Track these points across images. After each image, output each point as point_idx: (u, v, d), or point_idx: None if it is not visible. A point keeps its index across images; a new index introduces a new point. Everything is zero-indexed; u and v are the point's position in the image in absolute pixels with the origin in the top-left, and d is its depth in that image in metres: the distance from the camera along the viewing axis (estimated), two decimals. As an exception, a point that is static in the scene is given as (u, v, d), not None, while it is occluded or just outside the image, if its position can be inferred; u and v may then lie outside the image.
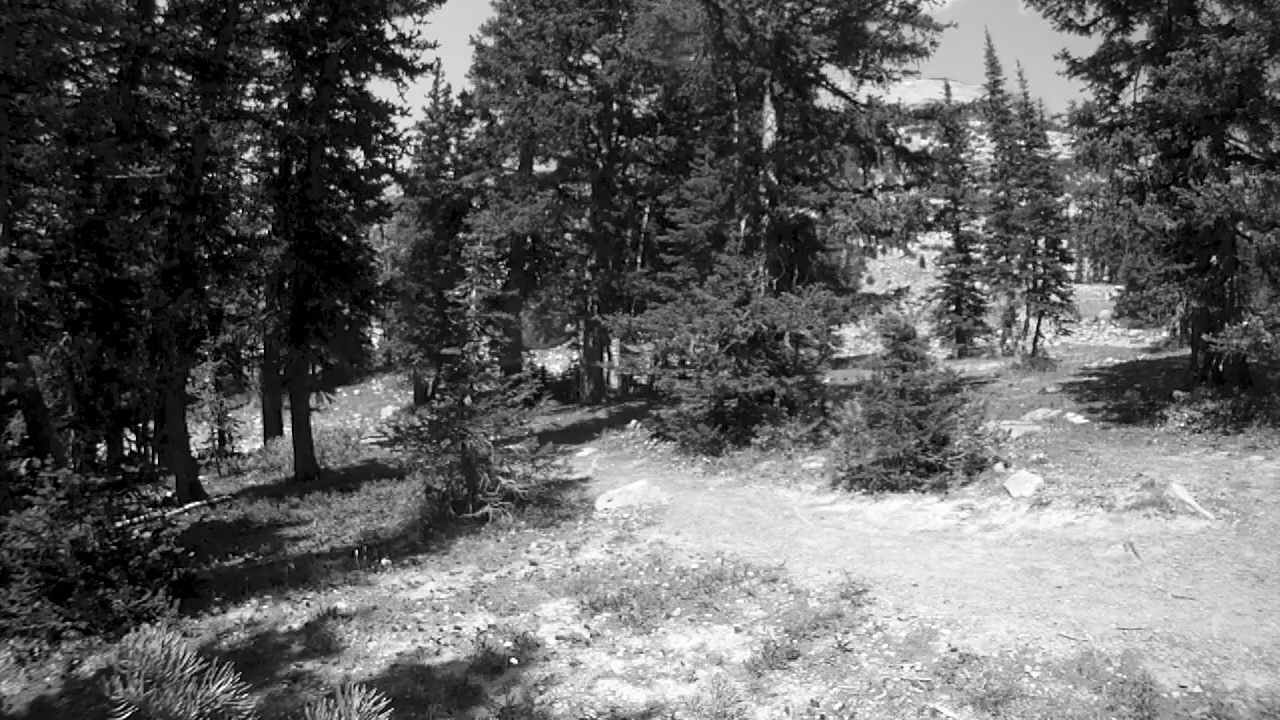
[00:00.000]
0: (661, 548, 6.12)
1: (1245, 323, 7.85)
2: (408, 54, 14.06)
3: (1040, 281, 22.87)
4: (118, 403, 10.08)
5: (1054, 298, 22.81)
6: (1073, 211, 21.74)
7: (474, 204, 22.96)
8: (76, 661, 4.51)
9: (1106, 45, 9.98)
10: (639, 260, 21.31)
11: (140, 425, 13.10)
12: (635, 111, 20.63)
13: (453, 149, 25.50)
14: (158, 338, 11.06)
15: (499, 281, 9.56)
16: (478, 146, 22.53)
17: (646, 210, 20.86)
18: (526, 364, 24.95)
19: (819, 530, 6.64)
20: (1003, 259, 24.81)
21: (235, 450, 19.17)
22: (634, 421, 14.60)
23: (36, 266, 7.61)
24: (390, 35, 13.87)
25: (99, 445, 10.70)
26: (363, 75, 14.06)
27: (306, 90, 13.50)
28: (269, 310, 15.19)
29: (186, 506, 11.10)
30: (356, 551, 6.82)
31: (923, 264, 39.31)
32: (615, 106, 19.84)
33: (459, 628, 4.50)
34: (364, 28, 13.27)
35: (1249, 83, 8.24)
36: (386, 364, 33.68)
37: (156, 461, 13.22)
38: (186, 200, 11.21)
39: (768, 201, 13.47)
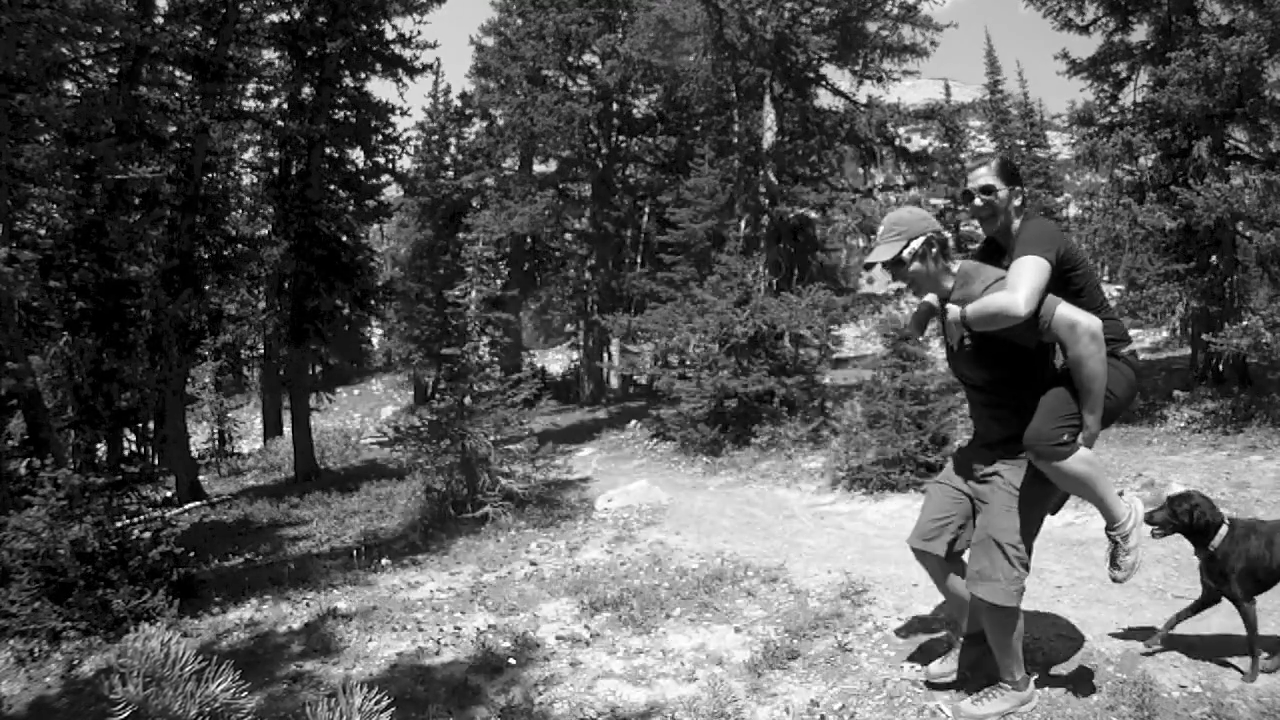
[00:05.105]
0: (661, 547, 6.12)
1: (1245, 322, 7.86)
2: (408, 54, 14.09)
3: (1040, 281, 22.85)
4: (118, 403, 10.08)
5: (1054, 297, 22.77)
6: (1073, 211, 21.73)
7: (474, 204, 22.98)
8: (76, 661, 4.51)
9: (1106, 45, 9.99)
10: (639, 260, 21.33)
11: (140, 425, 13.10)
12: (635, 111, 20.65)
13: (453, 149, 25.51)
14: (158, 338, 11.07)
15: (499, 281, 9.55)
16: (478, 146, 22.55)
17: (646, 210, 20.88)
18: (526, 364, 24.96)
19: (819, 530, 6.64)
20: (1002, 259, 24.79)
21: (235, 450, 19.19)
22: (634, 421, 14.59)
23: (36, 266, 7.60)
24: (390, 35, 13.91)
25: (99, 445, 10.70)
26: (363, 75, 14.08)
27: (306, 90, 13.52)
28: (269, 310, 15.21)
29: (186, 506, 11.10)
30: (356, 551, 6.83)
31: (923, 264, 39.17)
32: (615, 106, 19.86)
33: (459, 628, 4.49)
34: (364, 28, 13.28)
35: (1249, 83, 8.25)
36: (386, 364, 33.67)
37: (156, 461, 13.24)
38: (186, 200, 11.22)
39: (768, 201, 13.48)
